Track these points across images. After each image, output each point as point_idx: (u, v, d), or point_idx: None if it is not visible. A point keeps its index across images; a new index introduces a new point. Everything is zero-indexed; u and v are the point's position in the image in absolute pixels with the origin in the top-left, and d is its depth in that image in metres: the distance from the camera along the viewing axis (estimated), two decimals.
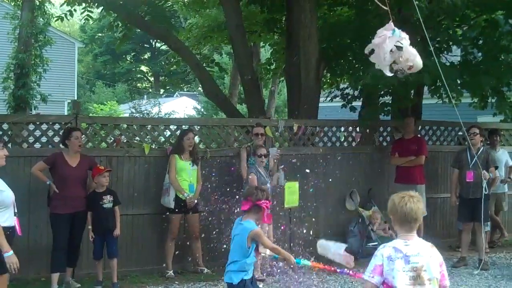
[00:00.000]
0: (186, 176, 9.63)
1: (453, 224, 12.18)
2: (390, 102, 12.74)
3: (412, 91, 12.78)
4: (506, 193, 12.36)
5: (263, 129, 10.27)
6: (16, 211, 6.26)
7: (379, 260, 4.67)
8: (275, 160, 10.10)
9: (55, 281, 8.62)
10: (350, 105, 13.17)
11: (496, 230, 12.56)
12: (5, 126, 9.30)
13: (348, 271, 6.64)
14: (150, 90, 56.88)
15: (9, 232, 6.06)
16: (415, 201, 4.82)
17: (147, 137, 10.25)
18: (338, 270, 6.68)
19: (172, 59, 22.18)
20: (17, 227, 6.28)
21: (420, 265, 4.66)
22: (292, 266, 6.60)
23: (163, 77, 58.33)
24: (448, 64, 11.94)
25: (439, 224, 12.46)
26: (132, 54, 57.88)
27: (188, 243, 9.90)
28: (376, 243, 10.93)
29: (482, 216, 10.21)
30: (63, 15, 13.80)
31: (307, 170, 10.66)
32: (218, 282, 9.36)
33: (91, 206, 8.91)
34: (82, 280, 9.20)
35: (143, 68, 60.25)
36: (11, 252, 5.96)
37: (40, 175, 8.72)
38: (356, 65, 12.56)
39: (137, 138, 10.10)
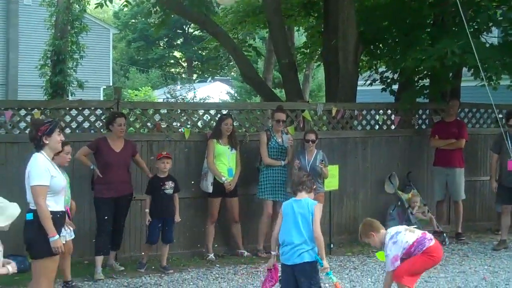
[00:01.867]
0: (225, 160, 9.70)
1: (493, 207, 12.08)
2: (428, 85, 12.64)
3: (451, 74, 12.69)
4: None
5: (284, 115, 10.11)
6: (69, 196, 6.34)
7: None
8: (290, 145, 10.06)
9: (99, 264, 8.76)
10: (389, 88, 13.11)
11: None
12: (47, 112, 9.44)
13: None
14: (184, 76, 57.06)
15: (59, 215, 6.15)
16: None
17: (187, 122, 10.33)
18: None
19: (206, 45, 22.20)
20: (69, 211, 6.34)
21: None
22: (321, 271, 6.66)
23: (196, 62, 58.45)
24: (487, 45, 11.80)
25: (478, 207, 12.38)
26: (165, 40, 58.00)
27: (228, 226, 9.99)
28: (415, 226, 10.88)
29: None
30: (102, 2, 13.87)
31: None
32: (258, 264, 9.45)
33: (151, 191, 9.05)
34: (125, 263, 9.34)
35: (176, 53, 60.36)
36: (57, 236, 6.06)
37: (84, 160, 8.84)
38: (396, 48, 12.47)
39: (177, 123, 10.18)
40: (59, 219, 6.15)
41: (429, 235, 7.17)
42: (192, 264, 9.52)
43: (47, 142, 6.14)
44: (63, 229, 6.63)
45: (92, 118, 9.74)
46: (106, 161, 8.84)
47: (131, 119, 9.91)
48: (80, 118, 9.70)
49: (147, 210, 9.00)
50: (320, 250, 6.54)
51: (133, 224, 9.54)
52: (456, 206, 11.42)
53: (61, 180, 6.26)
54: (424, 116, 12.13)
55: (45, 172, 6.03)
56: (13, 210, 5.91)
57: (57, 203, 6.15)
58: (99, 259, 8.78)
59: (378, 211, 11.28)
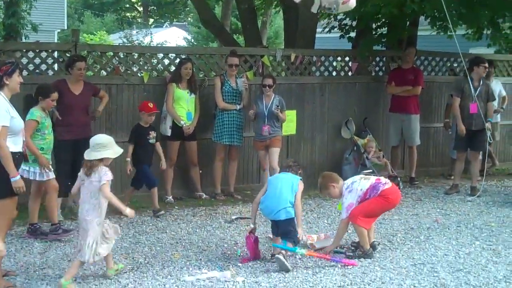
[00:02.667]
0: (184, 104, 9.73)
1: (446, 153, 12.42)
2: (386, 33, 12.77)
3: (407, 22, 12.82)
4: (498, 123, 12.56)
5: (237, 59, 10.15)
6: (24, 138, 6.34)
7: None
8: (245, 89, 10.14)
9: (58, 205, 8.78)
10: (348, 35, 13.19)
11: (488, 159, 12.79)
12: (1, 54, 9.29)
13: (341, 259, 6.97)
14: (140, 20, 56.22)
15: (17, 156, 6.15)
16: None
17: (146, 65, 10.29)
18: (331, 258, 6.97)
19: None
20: (25, 152, 6.37)
21: None
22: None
23: (152, 7, 57.59)
24: None
25: (432, 153, 12.69)
26: None
27: (187, 170, 10.08)
28: (370, 170, 11.15)
29: (480, 145, 10.48)
30: None
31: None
32: (216, 207, 9.61)
33: (134, 139, 9.11)
34: None
35: None
36: (18, 176, 6.09)
37: None
38: None
39: (136, 66, 10.14)
40: (17, 159, 6.15)
41: (384, 180, 7.40)
42: (151, 206, 9.60)
43: (8, 82, 6.13)
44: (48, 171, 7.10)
45: (50, 61, 9.64)
46: (65, 103, 8.77)
47: (89, 62, 9.82)
48: (37, 61, 9.59)
49: (128, 159, 9.03)
50: (297, 218, 7.06)
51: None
52: (410, 151, 11.69)
53: (20, 121, 6.26)
54: (381, 63, 12.29)
55: (5, 113, 6.01)
56: (119, 148, 6.68)
57: (15, 144, 6.14)
58: (58, 201, 8.80)
59: (335, 155, 11.51)
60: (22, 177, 6.29)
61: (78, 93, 8.90)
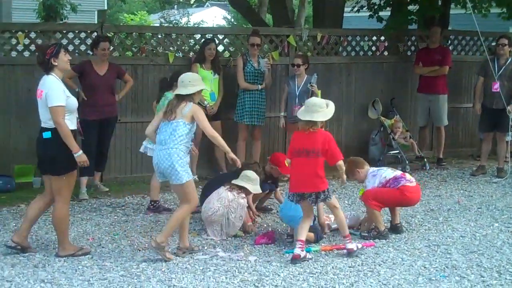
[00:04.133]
0: (207, 84, 9.73)
1: (475, 134, 12.28)
2: (416, 11, 12.64)
3: (440, 1, 12.68)
4: None
5: (259, 39, 10.11)
6: (78, 116, 6.64)
7: None
8: (268, 69, 10.11)
9: (84, 184, 9.00)
10: (376, 15, 13.09)
11: None
12: (32, 35, 9.49)
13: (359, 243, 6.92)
14: (181, 0, 56.46)
15: (73, 134, 6.45)
16: None
17: (172, 46, 10.40)
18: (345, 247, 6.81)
19: None
20: (80, 130, 6.69)
21: None
22: None
23: None
24: None
25: (461, 134, 12.58)
26: None
27: (211, 149, 10.18)
28: (397, 151, 11.15)
29: (505, 126, 10.34)
30: None
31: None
32: None
33: None
34: (110, 184, 9.60)
35: None
36: (81, 151, 6.44)
37: (69, 82, 8.85)
38: None
39: (162, 47, 10.25)
40: (74, 137, 6.46)
41: (409, 177, 7.40)
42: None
43: (56, 63, 6.43)
44: None
45: (77, 41, 9.81)
46: (90, 84, 8.96)
47: (115, 43, 9.95)
48: (64, 41, 9.75)
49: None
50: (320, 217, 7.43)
51: (118, 146, 9.74)
52: (438, 132, 11.61)
53: (75, 100, 6.61)
54: (409, 43, 12.18)
55: (62, 93, 6.36)
56: (258, 188, 7.63)
57: (72, 122, 6.46)
58: (84, 180, 9.01)
59: (361, 136, 11.50)
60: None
61: (102, 74, 9.06)
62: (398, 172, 7.47)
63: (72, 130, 6.42)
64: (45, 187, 6.76)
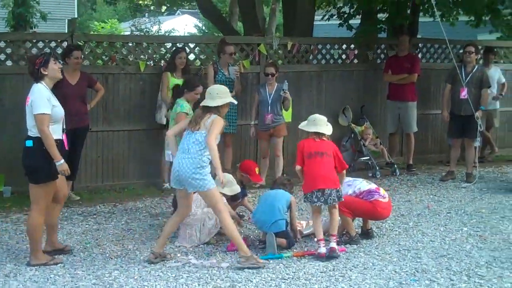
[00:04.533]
0: None
1: (444, 140, 12.44)
2: (385, 20, 12.80)
3: (409, 10, 12.85)
4: (497, 110, 12.56)
5: (232, 47, 10.19)
6: (64, 127, 6.68)
7: None
8: (237, 77, 10.13)
9: None
10: (346, 23, 13.23)
11: (487, 146, 12.85)
12: (2, 44, 9.46)
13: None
14: (152, 8, 56.34)
15: (57, 143, 6.46)
16: None
17: (143, 54, 10.41)
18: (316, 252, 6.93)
19: None
20: (65, 141, 6.67)
21: None
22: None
23: None
24: None
25: (430, 140, 12.74)
26: None
27: None
28: (367, 157, 11.28)
29: (473, 132, 10.49)
30: None
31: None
32: None
33: None
34: (81, 192, 9.58)
35: None
36: (62, 160, 6.43)
37: None
38: None
39: (132, 55, 10.26)
40: (58, 146, 6.46)
41: (383, 193, 7.48)
42: (148, 194, 9.78)
43: (46, 73, 6.51)
44: None
45: (47, 51, 9.76)
46: (62, 93, 8.81)
47: (86, 52, 9.94)
48: (34, 51, 9.72)
49: None
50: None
51: (89, 155, 9.72)
52: (407, 138, 11.76)
53: (61, 109, 6.62)
54: (379, 51, 12.32)
55: (47, 102, 6.39)
56: (237, 187, 7.60)
57: (55, 132, 6.46)
58: None
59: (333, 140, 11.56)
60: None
61: (74, 83, 9.02)
62: (373, 186, 7.53)
63: (57, 140, 6.44)
64: None
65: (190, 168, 6.47)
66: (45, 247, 6.83)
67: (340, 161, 7.15)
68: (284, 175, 9.43)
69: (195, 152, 6.51)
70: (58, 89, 8.70)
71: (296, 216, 7.59)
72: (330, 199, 6.89)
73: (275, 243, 6.93)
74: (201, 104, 6.80)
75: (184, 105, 7.91)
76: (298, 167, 7.18)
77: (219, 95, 6.69)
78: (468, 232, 7.87)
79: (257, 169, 8.52)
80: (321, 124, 7.24)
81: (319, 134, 7.15)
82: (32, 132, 6.41)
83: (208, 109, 6.61)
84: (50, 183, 6.50)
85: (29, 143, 6.42)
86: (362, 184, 7.53)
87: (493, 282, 6.14)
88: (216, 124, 6.52)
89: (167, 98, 9.73)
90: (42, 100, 6.36)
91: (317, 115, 7.42)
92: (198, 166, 6.47)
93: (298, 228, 7.66)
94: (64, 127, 6.73)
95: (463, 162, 11.27)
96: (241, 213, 8.58)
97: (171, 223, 6.83)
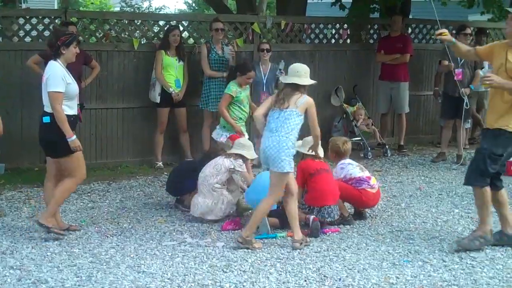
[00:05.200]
0: (172, 71, 9.83)
1: (435, 121, 12.51)
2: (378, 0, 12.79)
3: None
4: (488, 91, 12.58)
5: (222, 24, 10.15)
6: (79, 102, 6.90)
7: None
8: (232, 57, 10.13)
9: None
10: (339, 3, 13.21)
11: (477, 127, 12.91)
12: None
13: (323, 230, 7.08)
14: None
15: (72, 119, 6.63)
16: None
17: (136, 32, 10.38)
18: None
19: None
20: (80, 115, 6.93)
21: None
22: None
23: None
24: None
25: (421, 121, 12.81)
26: None
27: (176, 136, 10.23)
28: (359, 138, 11.33)
29: (464, 113, 10.54)
30: None
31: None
32: None
33: None
34: None
35: None
36: (74, 136, 6.59)
37: (35, 67, 8.87)
38: None
39: (126, 33, 10.23)
40: (72, 122, 6.66)
41: (373, 182, 7.54)
42: (141, 172, 9.82)
43: (64, 52, 6.60)
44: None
45: (40, 27, 9.73)
46: None
47: (79, 29, 9.90)
48: (27, 27, 9.68)
49: None
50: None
51: (83, 133, 9.66)
52: (399, 119, 11.83)
53: (75, 86, 6.71)
54: (372, 31, 12.34)
55: (61, 80, 6.48)
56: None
57: (71, 108, 6.61)
58: None
59: (324, 123, 11.49)
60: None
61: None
62: (365, 174, 7.58)
63: (73, 115, 6.61)
64: (47, 169, 6.97)
65: (276, 147, 6.42)
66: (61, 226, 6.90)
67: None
68: None
69: (283, 130, 6.44)
70: None
71: None
72: (333, 214, 7.18)
73: (267, 223, 6.99)
74: (286, 81, 6.58)
75: (231, 87, 8.26)
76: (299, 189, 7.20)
77: (306, 74, 6.60)
78: (459, 214, 7.95)
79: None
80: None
81: (315, 156, 7.29)
82: (49, 108, 6.53)
83: (297, 88, 6.54)
84: (73, 156, 6.63)
85: (46, 119, 6.57)
86: (354, 170, 7.59)
87: (485, 264, 6.22)
88: (313, 109, 6.59)
89: (161, 76, 9.74)
90: (56, 78, 6.46)
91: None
92: (284, 146, 6.40)
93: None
94: (79, 102, 6.89)
95: (454, 144, 11.34)
96: None
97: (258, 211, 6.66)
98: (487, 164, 6.41)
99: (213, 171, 7.40)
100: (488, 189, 6.49)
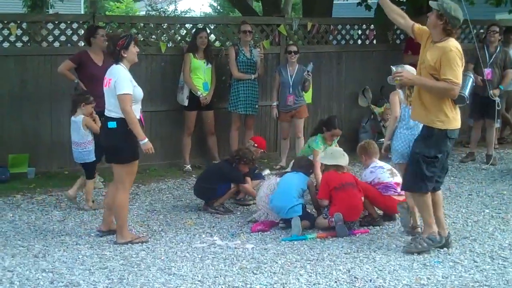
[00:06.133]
0: (200, 74, 9.87)
1: (464, 121, 12.32)
2: (405, 0, 12.72)
3: None
4: None
5: (250, 26, 10.18)
6: (140, 107, 6.84)
7: None
8: (260, 59, 10.17)
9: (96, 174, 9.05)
10: (365, 3, 13.17)
11: (506, 127, 12.79)
12: (24, 25, 9.52)
13: (352, 231, 7.12)
14: None
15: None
16: None
17: (164, 35, 10.44)
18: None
19: None
20: (142, 119, 6.82)
21: None
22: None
23: None
24: None
25: None
26: None
27: (204, 138, 10.26)
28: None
29: (494, 114, 10.43)
30: None
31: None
32: None
33: None
34: (104, 175, 9.56)
35: None
36: (146, 139, 6.62)
37: (68, 74, 8.86)
38: None
39: (153, 36, 10.29)
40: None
41: (400, 191, 7.33)
42: (169, 175, 9.86)
43: (125, 55, 6.66)
44: None
45: (69, 32, 9.82)
46: (89, 75, 8.72)
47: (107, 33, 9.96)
48: (56, 32, 9.77)
49: None
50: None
51: None
52: None
53: (140, 90, 6.78)
54: (398, 32, 12.27)
55: (130, 82, 6.56)
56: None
57: (136, 111, 6.61)
58: None
59: (352, 124, 11.61)
60: None
61: (101, 64, 8.86)
62: (394, 180, 7.48)
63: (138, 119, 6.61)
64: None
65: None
66: (102, 227, 6.98)
67: (362, 188, 7.36)
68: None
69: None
70: (85, 71, 8.78)
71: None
72: (355, 226, 7.26)
73: (300, 225, 7.01)
74: None
75: (319, 144, 8.32)
76: (325, 202, 7.28)
77: None
78: (490, 214, 7.89)
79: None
80: (339, 156, 7.43)
81: (338, 167, 7.37)
82: (113, 113, 6.54)
83: None
84: (134, 163, 6.68)
85: (112, 124, 6.56)
86: (384, 175, 7.53)
87: None
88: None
89: (189, 79, 9.79)
90: (125, 81, 6.49)
91: (334, 148, 7.72)
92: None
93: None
94: (141, 107, 6.87)
95: (483, 144, 11.25)
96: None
97: None
98: (423, 169, 6.28)
99: (267, 192, 7.52)
100: (428, 193, 6.39)
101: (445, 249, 6.57)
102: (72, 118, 8.01)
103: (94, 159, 8.05)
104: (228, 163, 8.17)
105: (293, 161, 8.27)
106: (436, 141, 6.28)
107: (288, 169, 8.17)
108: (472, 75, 6.69)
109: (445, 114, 6.23)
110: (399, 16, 6.80)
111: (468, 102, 6.50)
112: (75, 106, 8.06)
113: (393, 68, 6.61)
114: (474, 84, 6.66)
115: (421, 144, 6.36)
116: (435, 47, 6.31)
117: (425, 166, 6.27)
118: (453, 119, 6.29)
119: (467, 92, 6.39)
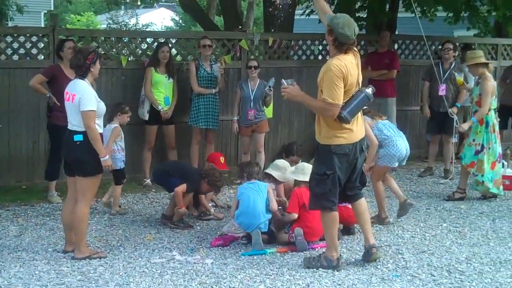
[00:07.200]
0: (162, 89, 9.85)
1: (422, 136, 12.58)
2: (365, 16, 12.91)
3: (387, 5, 12.96)
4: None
5: (210, 41, 10.19)
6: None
7: None
8: (221, 74, 10.16)
9: (53, 188, 9.07)
10: None
11: (463, 142, 12.97)
12: None
13: (310, 246, 7.16)
14: (128, 1, 56.00)
15: (100, 137, 6.68)
16: None
17: (124, 49, 10.40)
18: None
19: None
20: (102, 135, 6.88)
21: None
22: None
23: None
24: None
25: (409, 136, 12.59)
26: None
27: (165, 153, 10.22)
28: None
29: (451, 129, 10.58)
30: None
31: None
32: None
33: None
34: (62, 188, 9.45)
35: None
36: (107, 156, 6.69)
37: (40, 88, 8.73)
38: None
39: (114, 50, 10.25)
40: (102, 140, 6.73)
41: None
42: (129, 189, 9.76)
43: (93, 70, 6.70)
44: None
45: (28, 45, 9.72)
46: (61, 89, 8.59)
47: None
48: (15, 45, 9.66)
49: None
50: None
51: None
52: None
53: (103, 105, 6.77)
54: (358, 47, 12.36)
55: (94, 98, 6.58)
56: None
57: (99, 127, 6.66)
58: (52, 184, 9.07)
59: (312, 138, 11.42)
60: None
61: (73, 78, 8.79)
62: None
63: (100, 134, 6.65)
64: (69, 190, 6.90)
65: None
66: (67, 247, 6.88)
67: None
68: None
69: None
70: (58, 85, 8.57)
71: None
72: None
73: (261, 242, 7.01)
74: None
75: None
76: (294, 215, 7.23)
77: None
78: (447, 228, 8.00)
79: (221, 158, 8.93)
80: (309, 173, 7.09)
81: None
82: (77, 127, 6.56)
83: None
84: (98, 176, 6.69)
85: (78, 137, 6.55)
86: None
87: (473, 278, 6.27)
88: None
89: (150, 93, 9.76)
90: (91, 98, 6.52)
91: (305, 164, 7.63)
92: None
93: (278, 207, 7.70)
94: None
95: (441, 158, 11.41)
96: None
97: None
98: (317, 187, 6.31)
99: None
100: (335, 212, 6.38)
101: (403, 263, 6.64)
102: (107, 126, 8.13)
103: (123, 165, 8.49)
104: (197, 171, 8.29)
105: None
106: (323, 157, 6.31)
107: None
108: (366, 91, 6.49)
109: (329, 131, 6.27)
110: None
111: (350, 121, 6.25)
112: (112, 115, 8.33)
113: (284, 82, 6.61)
114: (368, 100, 6.50)
115: (314, 162, 6.48)
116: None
117: (314, 183, 6.33)
118: (339, 135, 6.25)
119: (349, 110, 6.22)
